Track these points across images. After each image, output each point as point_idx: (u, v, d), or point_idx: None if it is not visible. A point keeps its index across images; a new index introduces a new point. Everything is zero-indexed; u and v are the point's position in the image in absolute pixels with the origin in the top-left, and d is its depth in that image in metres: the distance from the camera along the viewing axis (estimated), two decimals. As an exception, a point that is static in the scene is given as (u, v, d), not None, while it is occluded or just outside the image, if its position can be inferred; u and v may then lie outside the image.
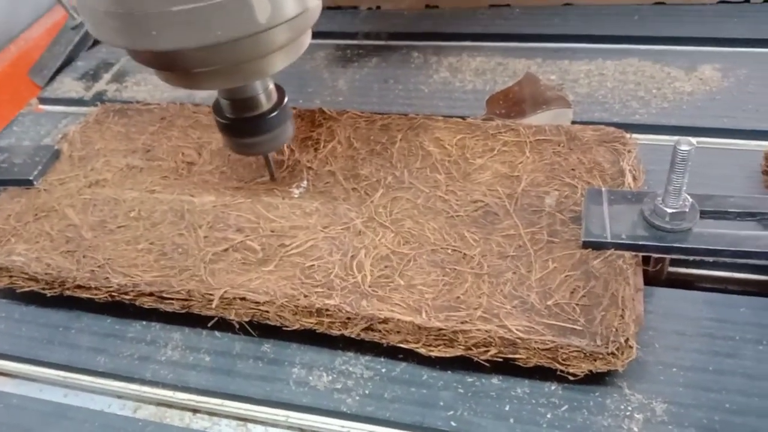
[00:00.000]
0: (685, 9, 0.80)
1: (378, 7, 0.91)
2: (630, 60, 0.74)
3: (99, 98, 0.81)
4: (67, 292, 0.53)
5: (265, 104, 0.51)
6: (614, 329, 0.42)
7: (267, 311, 0.48)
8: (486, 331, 0.43)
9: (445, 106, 0.72)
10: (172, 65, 0.45)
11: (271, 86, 0.52)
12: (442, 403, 0.46)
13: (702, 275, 0.54)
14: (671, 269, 0.54)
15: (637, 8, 0.82)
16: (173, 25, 0.39)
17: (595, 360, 0.42)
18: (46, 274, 0.52)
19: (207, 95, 0.79)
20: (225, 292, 0.48)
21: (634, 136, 0.59)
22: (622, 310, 0.43)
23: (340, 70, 0.80)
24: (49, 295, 0.54)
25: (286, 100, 0.53)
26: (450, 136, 0.59)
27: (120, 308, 0.54)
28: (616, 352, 0.42)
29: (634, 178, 0.53)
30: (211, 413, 0.51)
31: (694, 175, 0.58)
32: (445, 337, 0.45)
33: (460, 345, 0.45)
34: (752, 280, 0.53)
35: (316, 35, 0.89)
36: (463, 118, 0.62)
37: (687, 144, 0.44)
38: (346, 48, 0.84)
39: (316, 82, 0.79)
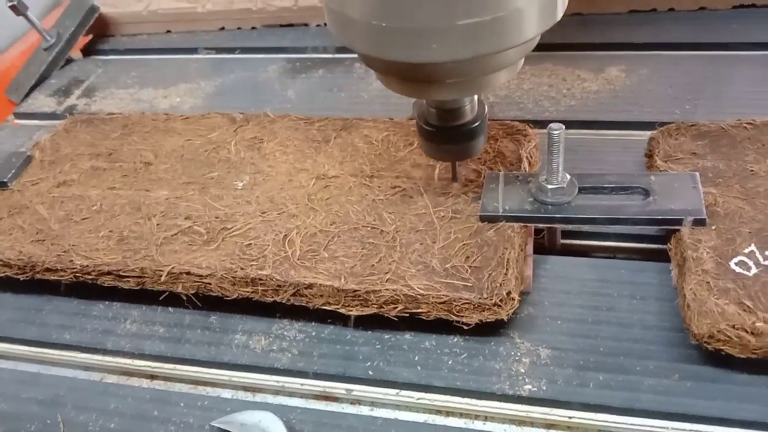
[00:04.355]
0: (599, 18, 0.89)
1: (326, 24, 0.99)
2: (546, 65, 0.83)
3: (70, 112, 0.88)
4: (38, 276, 0.60)
5: (469, 115, 0.55)
6: (498, 284, 0.50)
7: (209, 283, 0.55)
8: (393, 290, 0.51)
9: (382, 110, 0.80)
10: (425, 76, 0.48)
11: (476, 98, 0.55)
12: (361, 357, 0.54)
13: (593, 246, 0.62)
14: (565, 241, 0.62)
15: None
16: (455, 37, 0.42)
17: (483, 310, 0.50)
18: (18, 260, 0.60)
19: (168, 106, 0.87)
20: (172, 268, 0.56)
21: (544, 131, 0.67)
22: (506, 269, 0.51)
23: (289, 80, 0.89)
24: (21, 279, 0.61)
25: (486, 112, 0.56)
26: (377, 134, 0.68)
27: (85, 290, 0.61)
28: (500, 303, 0.50)
29: (530, 164, 0.61)
30: (167, 378, 0.58)
31: (591, 161, 0.68)
32: (360, 298, 0.52)
33: (373, 304, 0.52)
34: (636, 248, 0.61)
35: (269, 50, 0.98)
36: (391, 118, 0.70)
37: (558, 128, 0.52)
38: (296, 61, 0.92)
39: (267, 91, 0.87)
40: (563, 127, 0.52)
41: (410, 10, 0.42)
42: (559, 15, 0.47)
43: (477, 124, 0.55)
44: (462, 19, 0.41)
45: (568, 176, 0.55)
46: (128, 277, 0.57)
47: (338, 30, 0.47)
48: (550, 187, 0.55)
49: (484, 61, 0.46)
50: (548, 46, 0.86)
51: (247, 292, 0.55)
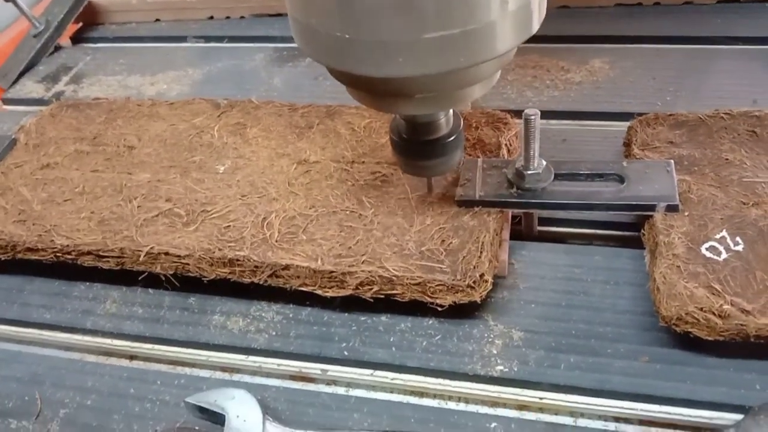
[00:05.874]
0: (585, 11, 0.90)
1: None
2: (531, 56, 0.83)
3: (57, 98, 0.89)
4: (19, 255, 0.61)
5: (444, 129, 0.53)
6: (472, 266, 0.51)
7: (187, 263, 0.56)
8: (369, 271, 0.52)
9: (366, 98, 0.81)
10: (393, 90, 0.45)
11: (451, 112, 0.53)
12: (337, 338, 0.54)
13: (570, 233, 0.62)
14: (542, 228, 0.62)
15: (544, 11, 0.91)
16: (423, 51, 0.39)
17: (457, 292, 0.51)
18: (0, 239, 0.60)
19: (155, 93, 0.87)
20: (151, 248, 0.56)
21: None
22: (480, 252, 0.52)
23: (276, 69, 0.89)
24: (3, 259, 0.61)
25: (462, 126, 0.54)
26: (359, 120, 0.68)
27: (66, 271, 0.62)
28: (473, 285, 0.50)
29: (509, 151, 0.62)
30: (146, 358, 0.58)
31: (571, 151, 0.68)
32: (336, 279, 0.53)
33: (349, 285, 0.53)
34: (612, 235, 0.62)
35: (257, 39, 0.99)
36: (374, 105, 0.71)
37: (533, 113, 0.53)
38: (284, 50, 0.93)
39: (254, 79, 0.87)
40: (538, 112, 0.53)
41: (374, 23, 0.39)
42: (535, 27, 0.44)
43: (452, 138, 0.53)
44: (430, 32, 0.39)
45: (544, 162, 0.56)
46: (108, 257, 0.58)
47: (303, 41, 0.45)
48: (526, 173, 0.55)
49: (455, 76, 0.43)
50: (534, 38, 0.86)
51: (225, 272, 0.55)
